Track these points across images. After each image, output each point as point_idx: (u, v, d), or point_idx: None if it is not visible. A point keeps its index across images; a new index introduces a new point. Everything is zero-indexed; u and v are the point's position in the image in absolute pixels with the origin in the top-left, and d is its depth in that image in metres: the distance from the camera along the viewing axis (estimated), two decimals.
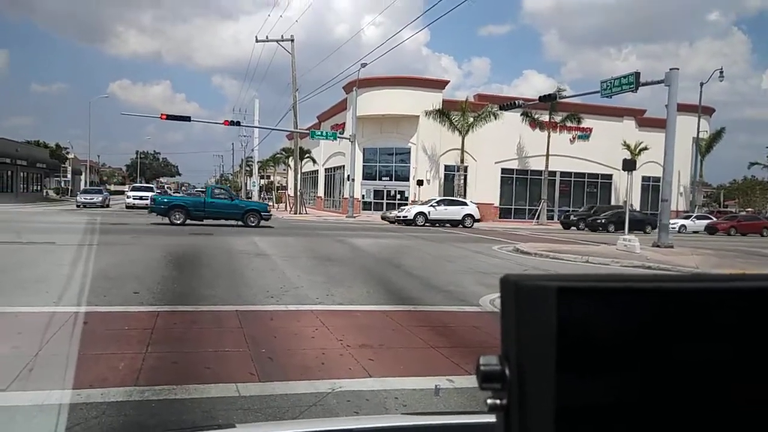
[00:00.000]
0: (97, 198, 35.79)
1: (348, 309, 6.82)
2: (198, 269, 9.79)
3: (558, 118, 36.45)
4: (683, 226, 33.78)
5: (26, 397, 3.56)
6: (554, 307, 0.46)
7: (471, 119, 34.78)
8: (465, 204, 30.37)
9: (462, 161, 35.67)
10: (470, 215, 29.43)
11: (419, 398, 3.87)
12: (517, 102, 29.86)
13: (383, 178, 38.65)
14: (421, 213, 28.57)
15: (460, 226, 28.50)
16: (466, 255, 14.19)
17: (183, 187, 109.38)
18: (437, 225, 28.09)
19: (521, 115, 35.37)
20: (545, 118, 35.91)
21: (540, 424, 0.46)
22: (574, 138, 39.80)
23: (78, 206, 34.65)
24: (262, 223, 21.92)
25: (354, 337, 5.40)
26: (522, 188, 39.73)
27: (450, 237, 20.82)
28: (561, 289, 0.46)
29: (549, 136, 36.32)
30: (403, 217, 28.81)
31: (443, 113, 35.09)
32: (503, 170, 39.18)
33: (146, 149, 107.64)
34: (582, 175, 40.68)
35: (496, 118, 34.00)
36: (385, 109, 36.22)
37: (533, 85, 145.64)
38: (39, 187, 52.15)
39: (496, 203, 38.89)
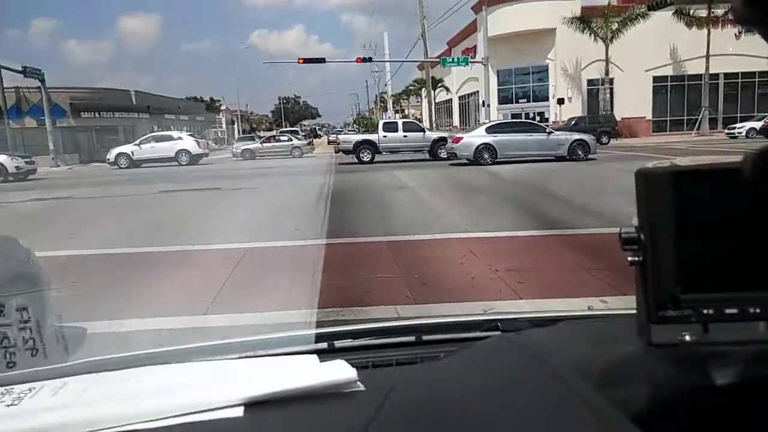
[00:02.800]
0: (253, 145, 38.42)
1: (495, 236, 6.91)
2: (344, 205, 10.39)
3: (719, 11, 31.96)
4: (752, 129, 28.40)
5: (221, 319, 4.18)
6: (672, 187, 0.62)
7: (615, 25, 31.75)
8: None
9: (607, 73, 32.99)
10: (185, 150, 27.14)
11: None
12: None
13: (520, 101, 37.13)
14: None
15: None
16: (612, 175, 13.43)
17: (324, 128, 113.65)
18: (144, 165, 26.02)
19: (673, 14, 31.48)
20: (703, 12, 31.67)
21: (666, 272, 0.62)
22: (740, 32, 34.68)
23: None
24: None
25: (502, 262, 5.50)
26: (678, 97, 35.90)
27: (601, 157, 19.71)
28: (675, 173, 0.62)
29: (709, 33, 32.09)
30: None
31: (583, 20, 32.38)
32: (655, 78, 35.59)
33: (287, 95, 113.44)
34: (751, 74, 35.47)
35: (644, 20, 30.69)
36: (518, 25, 34.30)
37: None
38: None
39: (649, 116, 35.73)
